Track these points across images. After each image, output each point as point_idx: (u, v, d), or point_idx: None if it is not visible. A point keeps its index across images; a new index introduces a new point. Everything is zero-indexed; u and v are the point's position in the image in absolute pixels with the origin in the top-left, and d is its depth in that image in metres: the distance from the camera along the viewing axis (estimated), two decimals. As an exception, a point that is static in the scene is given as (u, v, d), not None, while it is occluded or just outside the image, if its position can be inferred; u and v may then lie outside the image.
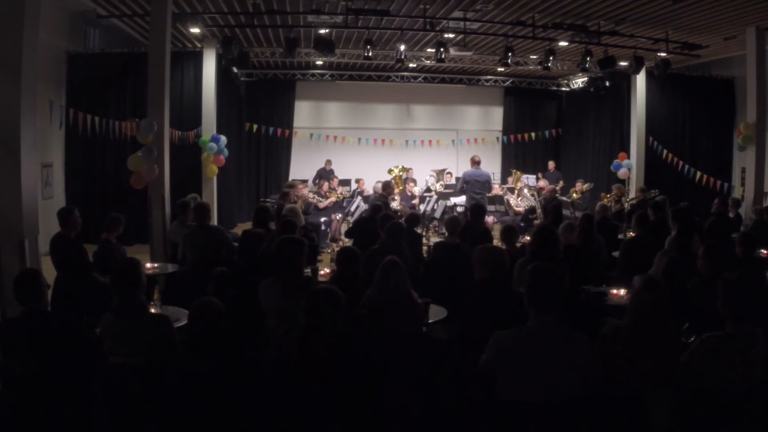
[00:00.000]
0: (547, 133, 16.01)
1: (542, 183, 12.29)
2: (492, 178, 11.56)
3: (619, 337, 2.96)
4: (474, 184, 10.38)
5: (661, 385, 2.87)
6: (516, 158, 15.87)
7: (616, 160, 12.91)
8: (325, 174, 13.41)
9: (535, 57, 12.43)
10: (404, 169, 12.08)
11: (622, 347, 2.92)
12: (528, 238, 6.58)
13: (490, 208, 10.54)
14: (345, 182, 12.82)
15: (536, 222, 9.73)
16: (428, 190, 12.20)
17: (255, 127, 14.36)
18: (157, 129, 7.74)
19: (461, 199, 10.79)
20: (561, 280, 2.85)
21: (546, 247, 4.40)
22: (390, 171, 11.80)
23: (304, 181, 11.87)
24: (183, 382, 2.82)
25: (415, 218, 7.01)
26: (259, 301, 4.03)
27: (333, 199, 11.03)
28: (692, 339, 3.11)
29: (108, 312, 3.38)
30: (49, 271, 4.09)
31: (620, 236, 7.81)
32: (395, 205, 10.01)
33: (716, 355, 2.83)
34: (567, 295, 2.99)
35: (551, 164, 14.39)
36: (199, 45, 11.41)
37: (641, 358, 2.89)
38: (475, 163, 10.76)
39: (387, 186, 9.52)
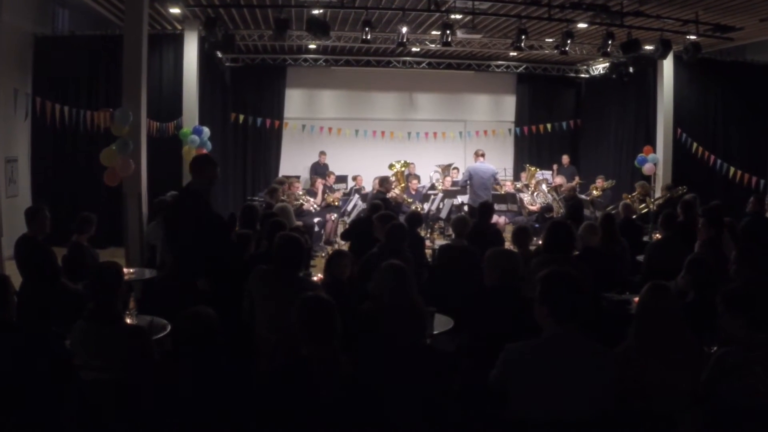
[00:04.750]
0: (564, 124, 16.00)
1: (559, 179, 12.29)
2: (501, 173, 11.56)
3: (629, 361, 2.90)
4: (478, 180, 10.40)
5: (687, 405, 2.85)
6: (530, 152, 15.84)
7: (640, 155, 12.88)
8: (320, 169, 13.38)
9: (551, 40, 12.42)
10: (406, 164, 12.08)
11: (633, 372, 2.87)
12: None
13: (501, 207, 10.56)
14: (341, 179, 12.82)
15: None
16: (432, 187, 12.20)
17: (241, 117, 14.36)
18: (133, 120, 7.73)
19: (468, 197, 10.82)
20: (580, 286, 2.85)
21: (560, 244, 4.41)
22: (391, 166, 11.80)
23: (296, 178, 11.89)
24: (165, 397, 2.83)
25: (417, 219, 7.03)
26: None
27: (321, 195, 11.07)
28: (713, 350, 3.10)
29: (80, 320, 3.39)
30: (13, 277, 4.10)
31: (645, 238, 7.82)
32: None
33: (736, 370, 2.81)
34: (587, 302, 2.99)
35: (565, 158, 14.39)
36: (179, 27, 11.41)
37: (657, 379, 2.86)
38: (479, 156, 10.79)
39: (384, 182, 9.47)
